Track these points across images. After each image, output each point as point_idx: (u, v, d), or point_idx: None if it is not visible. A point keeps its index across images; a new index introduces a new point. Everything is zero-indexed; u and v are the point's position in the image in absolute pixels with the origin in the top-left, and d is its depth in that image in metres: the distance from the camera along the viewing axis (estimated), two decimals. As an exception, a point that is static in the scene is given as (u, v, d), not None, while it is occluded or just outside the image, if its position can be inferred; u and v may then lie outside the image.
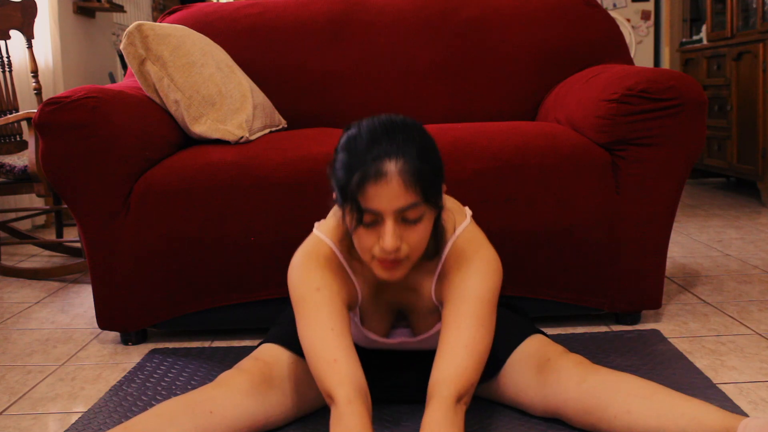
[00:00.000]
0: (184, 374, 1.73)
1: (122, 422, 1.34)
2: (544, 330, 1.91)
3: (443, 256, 1.35)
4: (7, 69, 3.17)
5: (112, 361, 1.87)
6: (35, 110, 2.40)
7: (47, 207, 3.50)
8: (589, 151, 1.86)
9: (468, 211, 1.41)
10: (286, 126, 2.36)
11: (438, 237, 1.32)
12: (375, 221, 1.20)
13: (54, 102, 1.79)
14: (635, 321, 1.98)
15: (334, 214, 1.39)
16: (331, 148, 1.27)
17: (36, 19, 3.25)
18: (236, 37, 2.41)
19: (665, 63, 5.61)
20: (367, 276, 1.38)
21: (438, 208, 1.25)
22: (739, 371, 1.65)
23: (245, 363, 1.44)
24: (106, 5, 4.42)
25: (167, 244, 1.85)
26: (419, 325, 1.45)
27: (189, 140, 2.07)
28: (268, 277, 1.87)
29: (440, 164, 1.24)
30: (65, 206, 3.16)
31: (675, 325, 1.98)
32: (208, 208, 1.83)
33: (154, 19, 5.41)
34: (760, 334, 1.89)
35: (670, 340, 1.86)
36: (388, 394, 1.51)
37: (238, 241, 1.84)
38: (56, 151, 1.81)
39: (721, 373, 1.64)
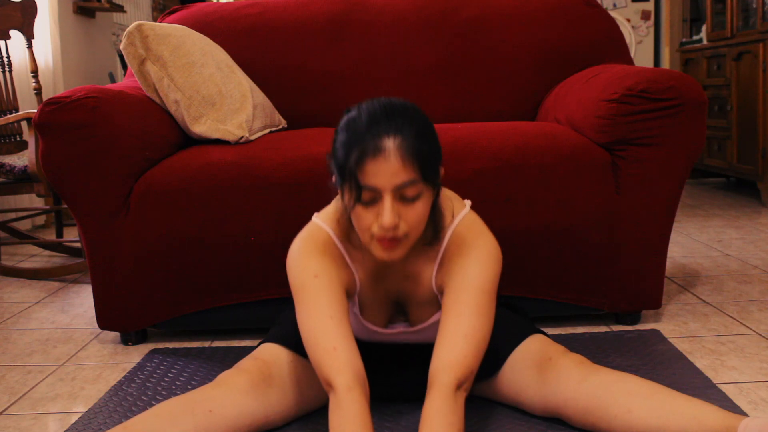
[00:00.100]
0: (184, 374, 1.73)
1: (122, 422, 1.34)
2: (544, 330, 1.91)
3: (444, 243, 1.35)
4: (7, 69, 3.17)
5: (112, 361, 1.87)
6: (35, 110, 2.40)
7: (47, 207, 3.51)
8: (589, 151, 1.86)
9: (468, 202, 1.42)
10: (286, 126, 2.36)
11: (436, 221, 1.33)
12: (373, 199, 1.21)
13: (54, 102, 1.79)
14: (635, 321, 1.98)
15: (334, 203, 1.40)
16: (331, 148, 1.28)
17: (36, 19, 3.25)
18: (236, 37, 2.41)
19: (665, 63, 5.61)
20: (365, 263, 1.38)
21: (436, 188, 1.27)
22: (739, 371, 1.65)
23: (245, 362, 1.44)
24: (106, 5, 4.42)
25: (167, 244, 1.85)
26: (417, 316, 1.45)
27: (189, 140, 2.07)
28: (268, 277, 1.87)
29: (438, 146, 1.27)
30: (65, 206, 3.16)
31: (675, 325, 1.98)
32: (208, 208, 1.83)
33: (154, 19, 5.41)
34: (760, 334, 1.89)
35: (670, 340, 1.86)
36: (388, 391, 1.51)
37: (238, 241, 1.84)
38: (56, 151, 1.81)
39: (721, 373, 1.64)
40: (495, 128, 1.95)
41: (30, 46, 3.17)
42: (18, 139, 3.16)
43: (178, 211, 1.84)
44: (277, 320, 1.63)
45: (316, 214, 1.41)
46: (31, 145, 2.57)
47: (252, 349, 1.55)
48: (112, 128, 1.81)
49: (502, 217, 1.83)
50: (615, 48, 2.38)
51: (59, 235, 3.30)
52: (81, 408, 1.59)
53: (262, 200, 1.83)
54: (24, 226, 3.79)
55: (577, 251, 1.87)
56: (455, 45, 2.41)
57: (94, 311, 2.00)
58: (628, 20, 5.62)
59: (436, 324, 1.42)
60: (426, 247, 1.36)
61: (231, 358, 1.81)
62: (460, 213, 1.37)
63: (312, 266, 1.32)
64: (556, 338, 1.86)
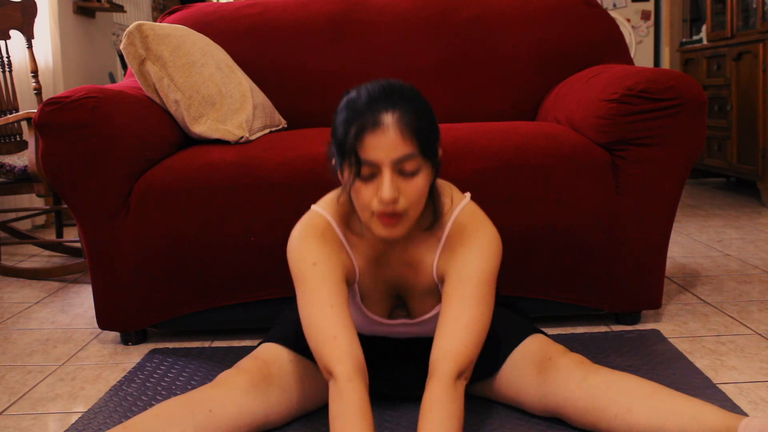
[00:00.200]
0: (184, 374, 1.73)
1: (122, 422, 1.34)
2: (544, 330, 1.91)
3: (445, 232, 1.36)
4: (7, 69, 3.17)
5: (112, 361, 1.87)
6: (35, 110, 2.40)
7: (47, 207, 3.51)
8: (589, 151, 1.86)
9: (467, 194, 1.43)
10: (286, 126, 2.36)
11: (436, 205, 1.34)
12: (373, 174, 1.23)
13: (54, 102, 1.79)
14: (635, 321, 1.98)
15: (334, 191, 1.41)
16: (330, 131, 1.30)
17: (36, 19, 3.25)
18: (236, 37, 2.41)
19: (665, 63, 5.61)
20: (365, 251, 1.39)
21: (435, 167, 1.29)
22: (739, 371, 1.65)
23: (244, 362, 1.44)
24: (106, 5, 4.42)
25: (167, 244, 1.85)
26: (417, 308, 1.45)
27: (189, 140, 2.07)
28: (268, 277, 1.87)
29: (436, 126, 1.29)
30: (65, 206, 3.16)
31: (675, 325, 1.98)
32: (208, 208, 1.83)
33: (154, 19, 5.41)
34: (760, 334, 1.89)
35: (670, 340, 1.86)
36: (390, 387, 1.51)
37: (238, 241, 1.84)
38: (56, 151, 1.81)
39: (721, 373, 1.64)
40: (495, 128, 1.95)
41: (30, 46, 3.17)
42: (18, 139, 3.17)
43: (178, 211, 1.84)
44: (277, 320, 1.63)
45: (314, 204, 1.42)
46: (31, 145, 2.58)
47: (252, 349, 1.55)
48: (112, 128, 1.81)
49: (502, 217, 1.82)
50: (615, 48, 2.38)
51: (59, 235, 3.30)
52: (81, 408, 1.59)
53: (262, 200, 1.83)
54: (24, 226, 3.79)
55: (577, 251, 1.87)
56: (455, 45, 2.41)
57: (94, 311, 1.99)
58: (628, 20, 5.62)
59: (437, 316, 1.43)
60: (427, 235, 1.37)
61: (231, 358, 1.81)
62: (461, 202, 1.38)
63: (311, 253, 1.33)
64: (556, 338, 1.86)
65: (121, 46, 1.96)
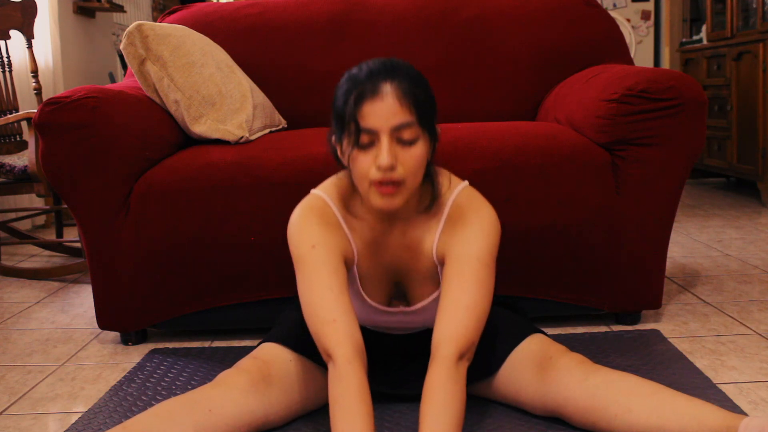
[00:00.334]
0: (184, 374, 1.73)
1: (122, 422, 1.34)
2: (544, 330, 1.91)
3: (444, 213, 1.37)
4: (7, 69, 3.17)
5: (112, 361, 1.87)
6: (35, 110, 2.40)
7: (47, 207, 3.51)
8: (589, 151, 1.86)
9: (466, 180, 1.44)
10: (286, 126, 2.36)
11: (434, 184, 1.36)
12: (371, 142, 1.25)
13: (54, 102, 1.79)
14: (635, 321, 1.98)
15: (333, 176, 1.43)
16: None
17: (36, 19, 3.25)
18: (236, 37, 2.41)
19: (665, 63, 5.61)
20: (363, 233, 1.40)
21: (432, 139, 1.31)
22: (739, 371, 1.65)
23: (244, 362, 1.44)
24: (106, 5, 4.42)
25: (167, 244, 1.85)
26: (416, 294, 1.46)
27: (189, 140, 2.07)
28: (268, 277, 1.87)
29: (434, 99, 1.32)
30: (65, 206, 3.16)
31: (675, 325, 1.98)
32: (208, 208, 1.83)
33: (154, 19, 5.41)
34: (760, 334, 1.89)
35: (670, 340, 1.86)
36: (389, 388, 1.51)
37: (238, 241, 1.84)
38: (56, 151, 1.81)
39: (721, 373, 1.64)
40: (495, 128, 1.95)
41: (30, 46, 3.17)
42: (18, 139, 3.17)
43: (178, 211, 1.84)
44: (277, 320, 1.63)
45: (314, 188, 1.44)
46: (31, 145, 2.58)
47: (252, 349, 1.55)
48: (112, 128, 1.81)
49: (502, 217, 1.81)
50: (615, 48, 2.38)
51: (59, 235, 3.30)
52: (81, 408, 1.59)
53: (262, 200, 1.83)
54: (24, 226, 3.79)
55: (577, 251, 1.87)
56: (455, 45, 2.41)
57: (94, 311, 1.99)
58: (628, 20, 5.62)
59: (435, 304, 1.43)
60: (426, 217, 1.38)
61: (231, 358, 1.81)
62: (460, 185, 1.40)
63: (310, 236, 1.34)
64: (556, 338, 1.86)
65: (121, 46, 1.96)
